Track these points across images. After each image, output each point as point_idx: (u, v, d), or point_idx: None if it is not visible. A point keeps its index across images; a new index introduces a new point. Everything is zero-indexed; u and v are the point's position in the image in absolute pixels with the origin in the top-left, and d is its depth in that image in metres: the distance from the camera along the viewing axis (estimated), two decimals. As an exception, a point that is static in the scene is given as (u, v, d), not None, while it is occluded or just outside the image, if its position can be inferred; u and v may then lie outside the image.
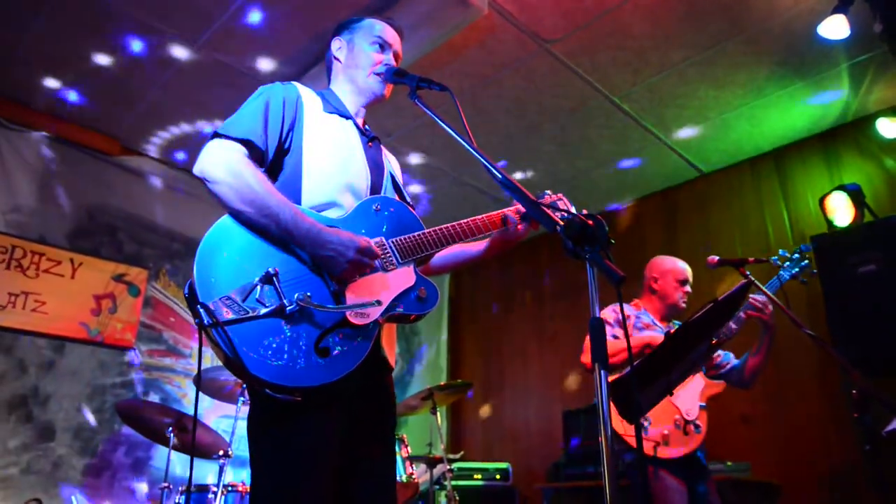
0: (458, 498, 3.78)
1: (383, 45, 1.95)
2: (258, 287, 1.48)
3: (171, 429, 3.38)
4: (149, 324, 4.74)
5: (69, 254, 4.50)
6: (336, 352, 1.51)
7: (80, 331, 4.43)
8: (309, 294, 1.52)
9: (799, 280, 3.01)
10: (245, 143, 1.64)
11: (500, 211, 1.96)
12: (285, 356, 1.45)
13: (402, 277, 1.69)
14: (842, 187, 4.04)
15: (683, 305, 3.10)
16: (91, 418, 4.36)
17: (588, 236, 1.42)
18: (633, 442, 2.60)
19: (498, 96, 4.30)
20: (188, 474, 4.52)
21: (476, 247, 2.01)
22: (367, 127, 1.96)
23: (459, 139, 1.72)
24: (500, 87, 4.20)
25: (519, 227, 1.93)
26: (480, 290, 6.81)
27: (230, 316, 1.43)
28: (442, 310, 6.95)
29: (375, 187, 1.84)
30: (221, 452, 3.31)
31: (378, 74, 1.91)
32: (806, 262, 3.03)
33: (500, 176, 1.62)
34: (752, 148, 4.87)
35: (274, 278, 1.49)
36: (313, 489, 1.50)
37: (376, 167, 1.87)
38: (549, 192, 2.04)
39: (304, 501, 1.48)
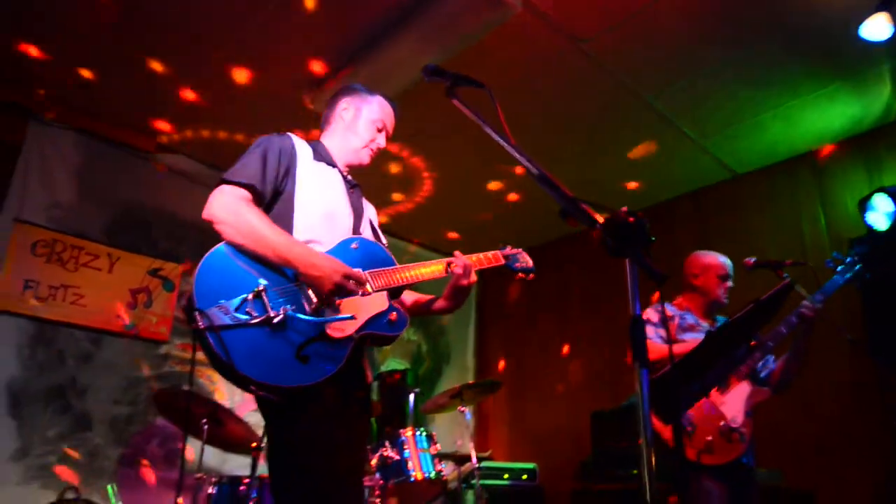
0: (486, 497, 3.78)
1: (381, 129, 2.23)
2: (248, 300, 1.69)
3: (204, 420, 3.43)
4: (183, 318, 4.82)
5: (107, 248, 4.60)
6: (314, 359, 1.70)
7: (117, 324, 4.53)
8: (292, 307, 1.72)
9: (853, 285, 2.94)
10: (247, 186, 1.86)
11: (442, 259, 2.15)
12: (269, 360, 1.65)
13: (376, 302, 1.90)
14: (882, 190, 3.95)
15: (725, 301, 3.04)
16: (126, 410, 4.46)
17: (629, 234, 1.41)
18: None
19: (529, 96, 4.28)
20: (220, 466, 4.60)
21: (436, 304, 2.23)
22: (349, 177, 2.19)
23: (497, 137, 1.74)
24: (532, 86, 4.19)
25: (458, 273, 2.11)
26: (507, 290, 6.79)
27: (224, 322, 1.62)
28: (469, 309, 6.96)
29: (355, 228, 2.07)
30: (254, 445, 3.35)
31: (371, 151, 2.21)
32: (860, 266, 2.94)
33: (536, 172, 1.63)
34: (787, 149, 4.79)
35: (263, 293, 1.70)
36: (328, 484, 1.70)
37: (357, 211, 2.11)
38: (509, 246, 2.38)
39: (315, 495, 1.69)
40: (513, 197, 5.65)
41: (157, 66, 4.10)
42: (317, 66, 4.06)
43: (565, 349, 6.04)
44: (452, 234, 6.45)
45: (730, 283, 3.07)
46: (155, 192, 4.93)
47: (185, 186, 5.04)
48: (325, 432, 1.74)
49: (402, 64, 3.74)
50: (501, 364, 6.64)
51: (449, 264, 2.12)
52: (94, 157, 4.69)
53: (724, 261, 3.12)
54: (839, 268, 2.94)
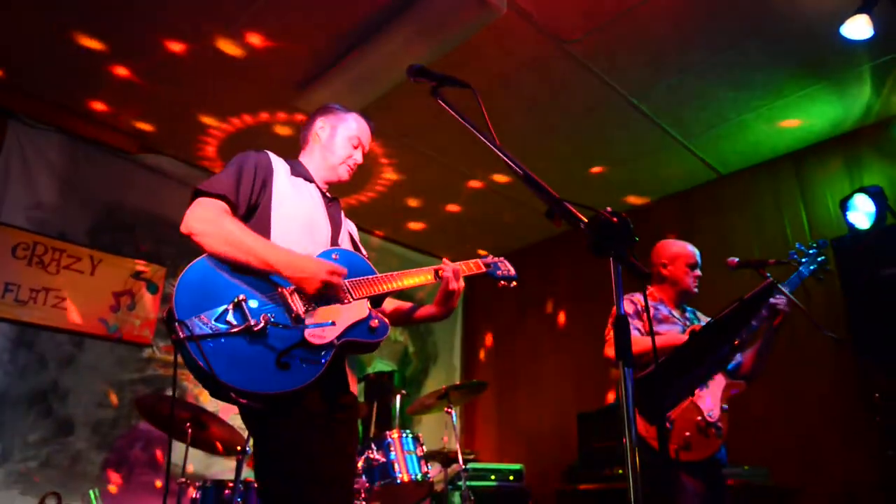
0: (472, 498, 3.78)
1: (357, 145, 2.28)
2: (228, 310, 1.71)
3: (188, 424, 3.39)
4: (166, 320, 4.77)
5: (89, 251, 4.55)
6: (294, 366, 1.72)
7: (100, 327, 4.47)
8: (273, 315, 1.74)
9: (816, 277, 2.96)
10: (221, 197, 1.89)
11: (431, 267, 2.17)
12: (250, 367, 1.66)
13: (357, 310, 1.92)
14: (863, 189, 4.00)
15: (696, 290, 3.01)
16: (109, 413, 4.41)
17: (613, 233, 1.42)
18: (655, 444, 2.57)
19: (515, 96, 4.29)
20: (205, 470, 4.56)
21: (424, 311, 2.25)
22: (327, 192, 2.24)
23: (482, 137, 1.74)
24: (518, 86, 4.19)
25: (449, 279, 2.13)
26: (495, 290, 6.78)
27: (203, 332, 1.65)
28: (456, 310, 6.95)
29: (334, 239, 2.11)
30: (238, 448, 3.32)
31: (348, 167, 2.25)
32: (823, 258, 2.97)
33: (521, 172, 1.63)
34: (770, 150, 4.84)
35: (242, 303, 1.73)
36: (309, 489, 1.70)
37: (335, 222, 2.14)
38: (490, 255, 2.41)
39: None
40: (500, 197, 5.65)
41: (137, 66, 4.06)
42: (305, 66, 4.04)
43: (552, 349, 6.05)
44: (438, 236, 6.44)
45: (699, 272, 3.02)
46: (138, 193, 4.88)
47: (169, 187, 4.99)
48: (307, 438, 1.75)
49: (387, 64, 3.74)
50: (488, 364, 6.64)
51: (437, 271, 2.14)
52: (75, 158, 4.63)
53: (692, 249, 3.06)
54: (803, 259, 2.97)
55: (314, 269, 1.81)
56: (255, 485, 1.83)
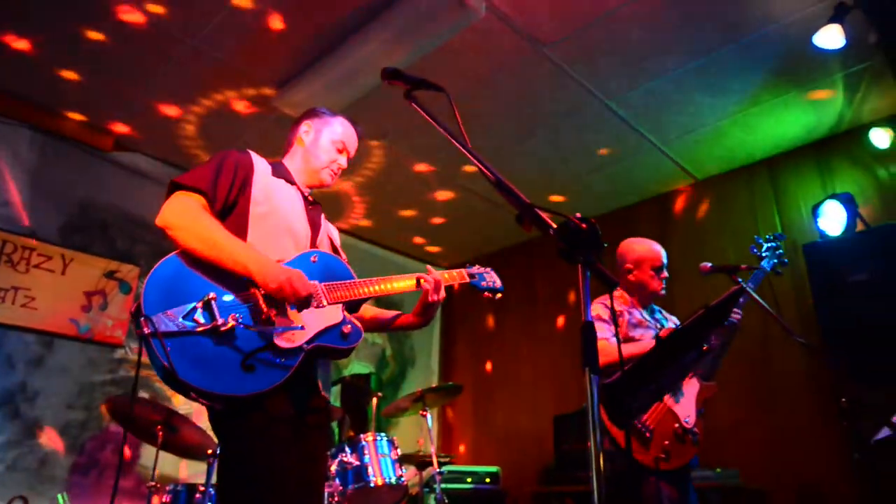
0: (447, 501, 3.77)
1: (342, 150, 2.24)
2: (197, 309, 1.68)
3: (158, 427, 3.35)
4: (139, 321, 4.69)
5: (60, 249, 4.46)
6: (260, 369, 1.69)
7: (70, 327, 4.39)
8: (241, 316, 1.71)
9: (774, 272, 2.99)
10: (198, 192, 1.86)
11: (413, 274, 2.16)
12: (214, 367, 1.63)
13: (330, 315, 1.89)
14: (834, 196, 4.07)
15: (663, 293, 2.96)
16: (79, 415, 4.33)
17: (581, 240, 1.42)
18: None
19: (493, 99, 4.29)
20: (176, 473, 4.49)
21: (403, 319, 2.27)
22: (309, 196, 2.20)
23: (454, 141, 1.73)
24: (496, 89, 4.20)
25: (428, 289, 2.13)
26: (473, 292, 6.79)
27: (169, 329, 1.62)
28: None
29: (313, 241, 2.08)
30: (210, 452, 3.28)
31: (331, 171, 2.22)
32: (781, 251, 3.01)
33: (493, 178, 1.63)
34: (745, 156, 4.90)
35: (212, 302, 1.69)
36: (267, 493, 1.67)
37: (315, 226, 2.12)
38: (477, 265, 2.42)
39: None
40: (479, 200, 5.65)
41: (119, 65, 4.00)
42: (282, 66, 4.01)
43: (529, 351, 6.06)
44: (418, 239, 6.44)
45: (666, 274, 2.96)
46: (111, 191, 4.80)
47: (143, 185, 4.92)
48: (271, 443, 1.71)
49: (366, 65, 3.72)
50: (466, 367, 6.64)
51: (419, 279, 2.13)
52: (47, 154, 4.54)
53: (657, 249, 2.98)
54: (763, 254, 3.01)
55: (287, 277, 1.76)
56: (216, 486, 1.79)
